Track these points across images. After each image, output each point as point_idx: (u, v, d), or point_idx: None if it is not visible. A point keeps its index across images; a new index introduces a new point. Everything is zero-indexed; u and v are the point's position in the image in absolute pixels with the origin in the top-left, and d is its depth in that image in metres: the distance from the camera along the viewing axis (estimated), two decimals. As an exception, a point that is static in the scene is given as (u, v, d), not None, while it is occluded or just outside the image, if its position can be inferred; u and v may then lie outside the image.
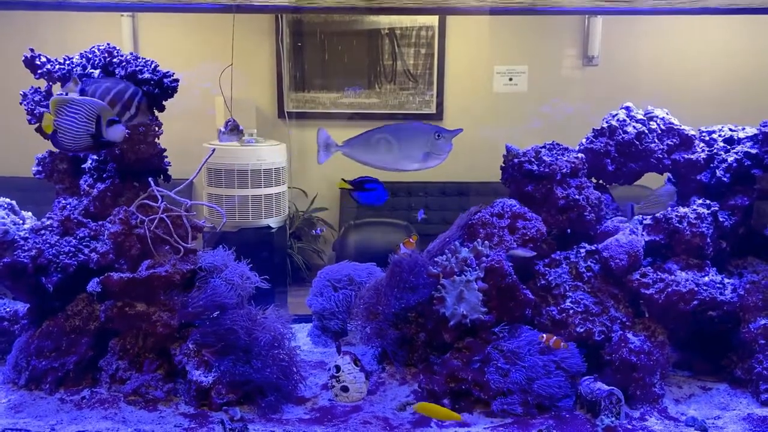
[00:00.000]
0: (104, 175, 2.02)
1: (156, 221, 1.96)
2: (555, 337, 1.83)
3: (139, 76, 1.97)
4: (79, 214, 2.00)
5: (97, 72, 2.00)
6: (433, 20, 4.36)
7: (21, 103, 2.06)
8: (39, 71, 2.04)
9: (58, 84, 2.06)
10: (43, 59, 2.04)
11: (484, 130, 4.28)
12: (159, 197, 1.99)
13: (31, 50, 2.04)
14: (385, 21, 4.39)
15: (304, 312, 2.38)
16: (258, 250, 3.25)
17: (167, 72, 2.02)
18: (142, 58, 2.01)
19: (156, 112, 2.04)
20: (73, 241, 1.93)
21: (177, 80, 2.03)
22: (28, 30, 3.66)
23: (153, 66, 2.00)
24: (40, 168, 2.11)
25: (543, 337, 1.83)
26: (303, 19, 4.39)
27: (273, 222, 3.44)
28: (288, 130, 4.42)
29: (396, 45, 4.42)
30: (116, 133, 1.67)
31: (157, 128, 2.01)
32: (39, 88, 2.07)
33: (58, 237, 1.93)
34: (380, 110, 4.48)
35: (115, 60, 1.98)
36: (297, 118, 4.44)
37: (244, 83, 4.11)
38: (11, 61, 2.13)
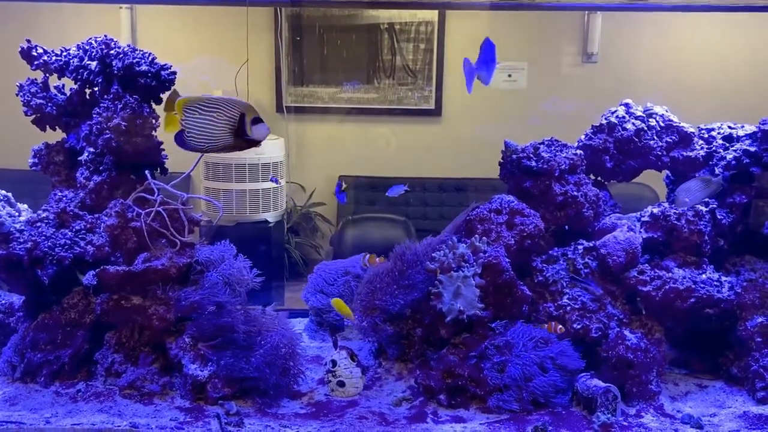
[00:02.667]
0: (101, 168, 2.01)
1: (152, 214, 1.95)
2: (560, 325, 1.84)
3: (137, 68, 1.96)
4: (75, 207, 1.99)
5: (94, 64, 1.99)
6: (432, 15, 4.35)
7: (17, 95, 2.05)
8: (35, 62, 2.03)
9: (55, 75, 2.05)
10: (40, 50, 2.03)
11: (483, 126, 4.28)
12: (156, 190, 1.98)
13: (28, 41, 2.03)
14: (384, 16, 4.38)
15: (301, 306, 2.38)
16: (255, 244, 3.25)
17: (165, 64, 2.01)
18: (140, 50, 2.00)
19: (153, 105, 2.03)
20: (69, 233, 1.92)
21: (174, 72, 2.02)
22: (26, 22, 3.65)
23: (150, 58, 1.99)
24: (36, 160, 2.10)
25: (544, 326, 1.84)
26: (302, 13, 4.38)
27: (270, 216, 3.44)
28: (286, 125, 4.41)
29: (395, 40, 4.41)
30: (261, 132, 1.62)
31: (154, 121, 2.00)
32: (35, 79, 2.06)
33: (53, 229, 1.92)
34: (379, 105, 4.48)
35: (112, 52, 1.97)
36: (295, 113, 4.44)
37: (242, 77, 4.10)
38: (8, 53, 2.11)
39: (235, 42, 3.48)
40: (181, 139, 1.61)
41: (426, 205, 4.50)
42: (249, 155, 3.31)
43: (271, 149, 3.38)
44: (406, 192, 2.38)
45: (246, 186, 3.37)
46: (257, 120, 1.60)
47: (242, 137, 1.61)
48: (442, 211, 4.44)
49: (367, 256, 2.08)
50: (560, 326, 1.84)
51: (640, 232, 2.05)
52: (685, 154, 2.18)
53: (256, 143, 1.65)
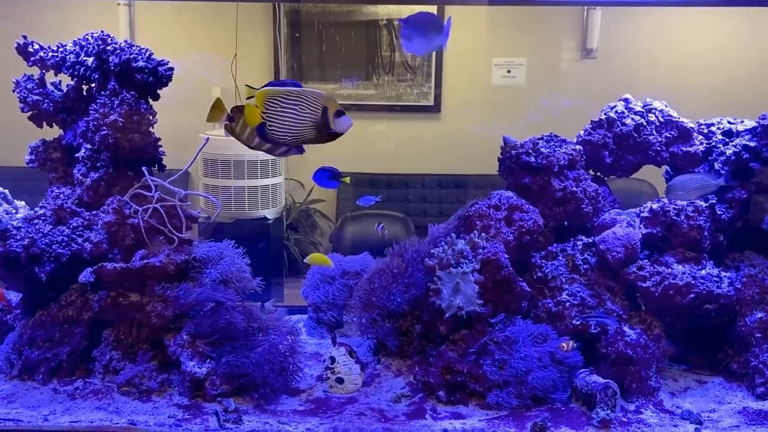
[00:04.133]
0: (98, 165, 2.00)
1: (150, 211, 1.94)
2: (572, 342, 1.81)
3: (134, 64, 1.95)
4: (73, 204, 1.98)
5: (90, 60, 1.98)
6: (431, 11, 4.33)
7: (14, 91, 2.04)
8: (32, 59, 2.02)
9: (51, 72, 2.04)
10: (36, 46, 2.02)
11: (482, 123, 4.27)
12: (153, 187, 1.97)
13: (24, 37, 2.02)
14: (383, 12, 4.36)
15: (300, 303, 2.37)
16: (254, 241, 3.24)
17: (162, 60, 2.00)
18: (137, 46, 1.99)
19: (150, 101, 2.03)
20: (66, 230, 1.91)
21: (172, 69, 2.01)
22: (24, 19, 3.64)
23: (147, 54, 1.98)
24: (33, 157, 2.09)
25: (563, 346, 1.81)
26: (301, 9, 4.37)
27: (269, 213, 3.43)
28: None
29: (394, 36, 4.39)
30: (344, 124, 1.58)
31: (151, 117, 1.99)
32: (32, 75, 2.05)
33: (51, 226, 1.91)
34: (378, 102, 4.46)
35: (108, 48, 1.96)
36: (294, 110, 4.42)
37: (240, 74, 4.09)
38: (5, 50, 2.10)
39: (237, 39, 3.47)
40: (262, 132, 1.57)
41: (425, 202, 4.49)
42: (248, 151, 3.30)
43: (269, 146, 3.37)
44: (377, 203, 2.38)
45: (245, 183, 3.35)
46: (340, 112, 1.56)
47: (325, 130, 1.57)
48: (441, 207, 4.43)
49: (381, 225, 2.04)
50: (573, 342, 1.81)
51: (640, 227, 2.04)
52: (684, 149, 2.17)
53: (337, 136, 1.60)
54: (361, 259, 2.30)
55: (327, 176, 1.89)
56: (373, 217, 4.02)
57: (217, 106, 1.58)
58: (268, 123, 1.54)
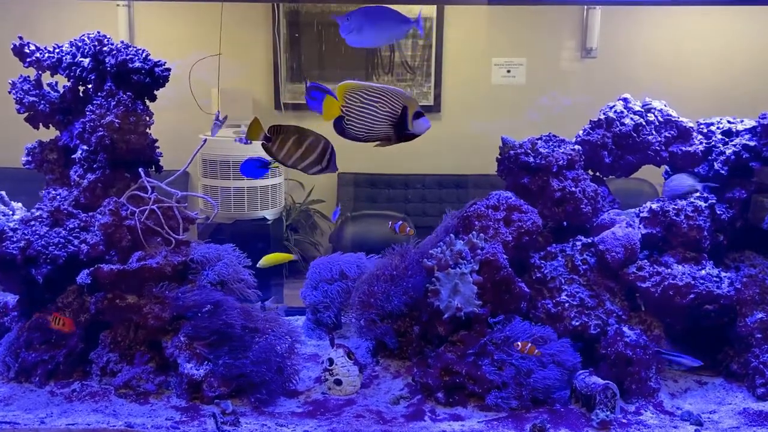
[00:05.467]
0: (94, 166, 2.00)
1: (147, 212, 1.93)
2: (529, 344, 1.77)
3: (130, 65, 1.94)
4: (69, 205, 1.97)
5: (87, 61, 1.97)
6: (431, 11, 4.33)
7: (10, 92, 2.04)
8: (28, 60, 2.01)
9: (48, 73, 2.03)
10: (32, 47, 2.02)
11: (482, 123, 4.26)
12: (150, 188, 1.96)
13: (20, 38, 2.02)
14: (382, 12, 4.35)
15: (299, 304, 2.37)
16: (254, 241, 3.23)
17: (158, 61, 1.99)
18: (133, 47, 1.98)
19: (148, 102, 2.02)
20: (63, 232, 1.90)
21: (168, 69, 2.01)
22: (23, 20, 3.63)
23: (144, 55, 1.98)
24: (29, 158, 2.08)
25: (518, 345, 1.77)
26: (300, 9, 4.36)
27: (269, 214, 3.42)
28: (284, 122, 4.39)
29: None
30: (422, 126, 1.56)
31: (148, 118, 1.98)
32: (28, 77, 2.04)
33: (47, 228, 1.91)
34: (377, 102, 4.46)
35: (105, 49, 1.96)
36: (293, 110, 4.42)
37: (240, 74, 4.08)
38: (3, 50, 2.10)
39: (235, 39, 3.46)
40: (339, 126, 1.54)
41: (425, 202, 4.49)
42: (248, 152, 3.29)
43: (269, 146, 3.36)
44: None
45: (244, 183, 3.35)
46: (419, 114, 1.54)
47: (402, 131, 1.55)
48: (441, 207, 4.42)
49: (399, 223, 2.03)
50: (529, 345, 1.77)
51: (639, 227, 2.03)
52: (684, 149, 2.16)
53: (413, 137, 1.57)
54: (358, 258, 2.29)
55: (256, 165, 1.87)
56: (373, 217, 4.02)
57: (255, 125, 1.58)
58: (346, 117, 1.52)
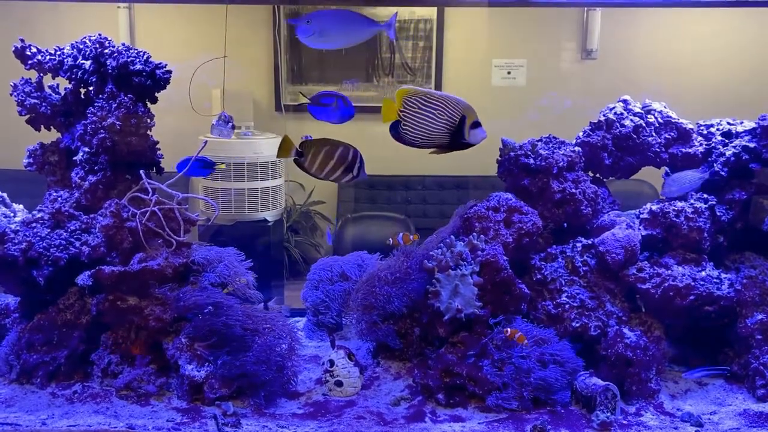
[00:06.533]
0: (96, 168, 2.00)
1: (148, 214, 1.94)
2: (518, 333, 1.78)
3: (131, 67, 1.95)
4: (71, 207, 1.98)
5: (88, 63, 1.98)
6: (431, 13, 4.34)
7: (11, 95, 2.04)
8: (29, 62, 2.02)
9: (49, 75, 2.04)
10: (34, 50, 2.02)
11: (482, 124, 4.26)
12: (151, 190, 1.97)
13: (22, 41, 2.02)
14: (383, 14, 4.35)
15: (300, 306, 2.37)
16: (254, 243, 3.24)
17: (160, 63, 2.00)
18: (134, 49, 1.99)
19: (149, 104, 2.02)
20: (64, 234, 1.91)
21: (170, 71, 2.01)
22: (24, 22, 3.64)
23: (145, 57, 1.98)
24: (31, 160, 2.09)
25: (507, 331, 1.79)
26: (300, 11, 4.36)
27: (269, 215, 3.42)
28: (285, 123, 4.39)
29: (394, 38, 4.39)
30: (479, 136, 1.56)
31: (149, 120, 1.99)
32: (30, 79, 2.05)
33: (48, 230, 1.91)
34: (378, 103, 4.45)
35: (106, 51, 1.96)
36: (294, 111, 4.42)
37: (240, 75, 4.08)
38: (4, 53, 2.10)
39: (235, 40, 3.46)
40: (396, 131, 1.54)
41: (425, 203, 4.49)
42: (248, 154, 3.30)
43: (269, 148, 3.37)
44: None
45: (245, 185, 3.35)
46: (477, 124, 1.54)
47: (459, 139, 1.54)
48: (441, 208, 4.43)
49: (401, 234, 2.04)
50: (518, 334, 1.78)
51: (639, 229, 2.03)
52: (683, 150, 2.17)
53: (468, 147, 1.57)
54: (359, 258, 2.29)
55: (199, 166, 1.88)
56: (373, 218, 4.02)
57: (286, 142, 1.58)
58: (402, 122, 1.51)
